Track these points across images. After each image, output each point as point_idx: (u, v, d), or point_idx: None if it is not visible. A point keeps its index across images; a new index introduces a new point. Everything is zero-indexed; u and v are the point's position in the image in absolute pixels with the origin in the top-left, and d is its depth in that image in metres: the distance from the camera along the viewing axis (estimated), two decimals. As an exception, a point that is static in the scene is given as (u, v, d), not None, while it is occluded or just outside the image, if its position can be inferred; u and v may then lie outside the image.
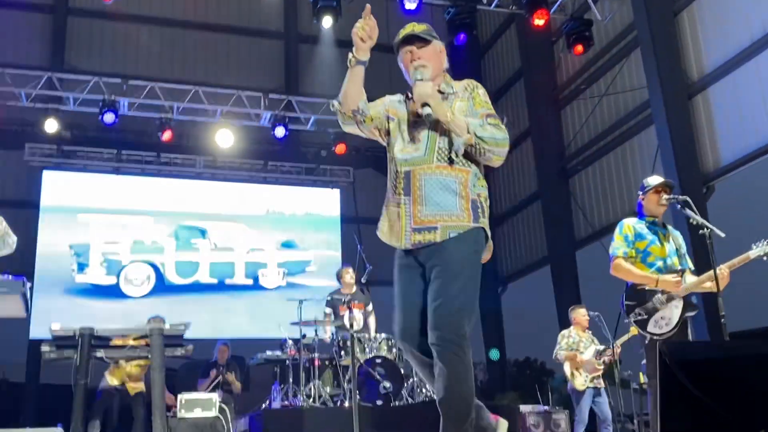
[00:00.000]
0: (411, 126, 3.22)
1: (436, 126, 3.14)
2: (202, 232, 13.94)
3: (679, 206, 4.56)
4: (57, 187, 13.00)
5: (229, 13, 15.46)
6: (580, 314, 8.08)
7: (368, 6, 3.02)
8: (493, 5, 11.95)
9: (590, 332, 8.04)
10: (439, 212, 3.10)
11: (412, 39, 3.24)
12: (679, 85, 10.45)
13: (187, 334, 5.51)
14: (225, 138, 13.01)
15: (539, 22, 11.54)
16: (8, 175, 13.72)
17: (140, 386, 7.69)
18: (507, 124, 14.37)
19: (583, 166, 13.25)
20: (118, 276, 13.30)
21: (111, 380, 7.67)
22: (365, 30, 3.01)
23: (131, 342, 5.62)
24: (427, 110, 3.06)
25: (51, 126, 12.35)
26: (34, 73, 12.45)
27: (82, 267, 13.15)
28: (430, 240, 3.09)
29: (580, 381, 7.68)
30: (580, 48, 11.97)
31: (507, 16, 14.73)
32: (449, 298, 3.02)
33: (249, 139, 14.10)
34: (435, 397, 3.06)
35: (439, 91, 3.20)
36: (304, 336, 7.80)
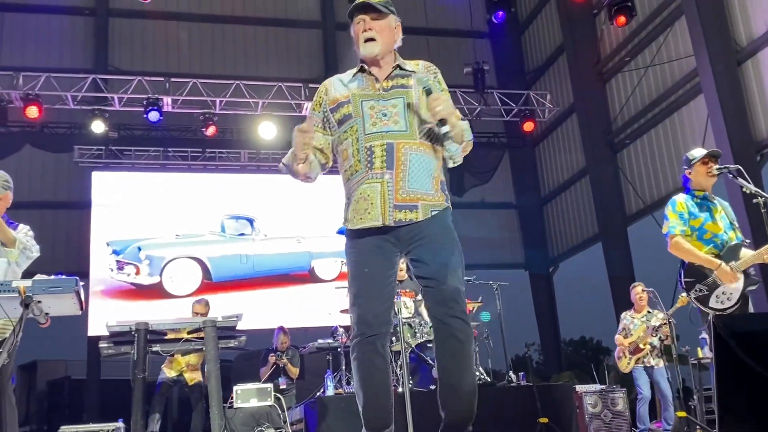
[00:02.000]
0: (376, 101, 3.04)
1: (411, 97, 3.02)
2: (250, 222, 13.69)
3: (731, 175, 4.42)
4: (106, 186, 13.08)
5: (266, 5, 15.51)
6: (635, 293, 7.97)
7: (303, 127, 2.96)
8: (531, -20, 11.75)
9: (649, 309, 7.90)
10: (419, 190, 2.97)
11: (366, 8, 3.07)
12: (727, 51, 10.14)
13: (240, 326, 5.57)
14: (267, 130, 13.08)
15: (579, -6, 11.31)
16: (59, 177, 14.03)
17: (198, 376, 7.80)
18: (551, 101, 14.37)
19: (631, 140, 12.98)
20: (161, 274, 12.83)
21: (169, 372, 7.80)
22: (304, 146, 2.98)
23: (185, 335, 5.70)
24: (445, 129, 2.89)
25: (98, 127, 12.58)
26: (79, 75, 12.70)
27: (121, 266, 12.74)
28: (412, 219, 2.95)
29: (623, 364, 7.74)
30: (622, 19, 11.69)
31: (546, -9, 14.49)
32: (452, 272, 2.92)
33: (291, 130, 14.08)
34: (439, 379, 2.96)
35: (398, 67, 3.09)
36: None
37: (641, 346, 7.56)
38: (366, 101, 3.04)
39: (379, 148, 2.96)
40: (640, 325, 7.73)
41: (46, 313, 3.36)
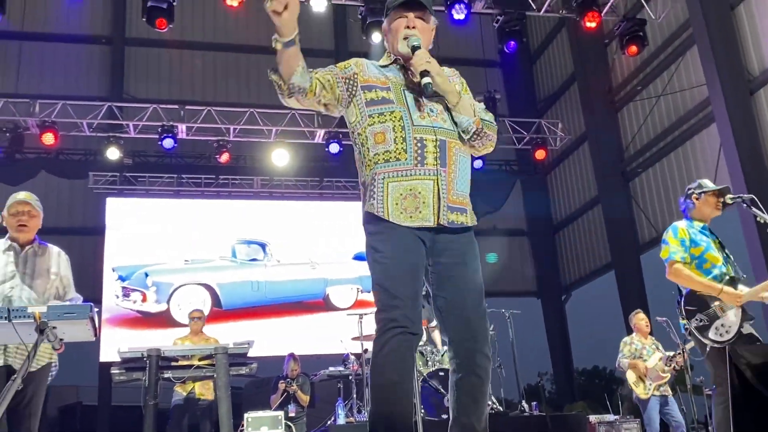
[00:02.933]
0: (418, 94, 2.85)
1: (449, 104, 2.88)
2: (263, 247, 13.31)
3: (745, 205, 4.41)
4: (120, 213, 13.13)
5: (280, 34, 15.67)
6: (639, 320, 7.91)
7: None
8: (543, 11, 11.82)
9: (653, 338, 7.85)
10: (464, 194, 2.85)
11: (412, 5, 2.92)
12: (739, 80, 10.15)
13: (251, 353, 5.57)
14: (281, 157, 13.18)
15: (591, 24, 11.37)
16: (74, 203, 14.15)
17: (209, 392, 7.75)
18: (562, 130, 14.39)
19: (643, 168, 12.98)
20: (168, 302, 12.36)
21: (181, 391, 7.77)
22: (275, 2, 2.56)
23: (197, 362, 5.70)
24: (426, 80, 2.76)
25: (113, 154, 12.71)
26: (95, 103, 12.87)
27: (127, 292, 12.34)
28: (463, 222, 2.79)
29: (643, 389, 7.50)
30: (634, 48, 11.73)
31: (557, 21, 14.60)
32: (480, 301, 2.78)
33: (304, 157, 14.23)
34: (453, 415, 2.75)
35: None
36: (366, 351, 7.79)
37: (661, 374, 7.45)
38: (408, 91, 2.88)
39: (432, 143, 2.77)
40: (654, 351, 7.64)
41: (61, 339, 3.38)
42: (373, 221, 2.79)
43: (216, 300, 12.62)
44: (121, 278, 12.54)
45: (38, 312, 3.17)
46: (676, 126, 11.98)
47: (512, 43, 11.70)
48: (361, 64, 2.95)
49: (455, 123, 2.87)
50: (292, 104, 2.85)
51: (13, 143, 12.59)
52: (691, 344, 6.80)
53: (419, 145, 2.76)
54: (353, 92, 2.88)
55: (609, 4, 11.75)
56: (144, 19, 10.40)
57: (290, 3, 2.60)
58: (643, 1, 11.82)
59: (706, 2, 10.26)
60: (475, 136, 2.88)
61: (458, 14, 10.80)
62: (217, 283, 12.77)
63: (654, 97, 12.48)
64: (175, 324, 12.17)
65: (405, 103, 2.84)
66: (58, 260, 4.35)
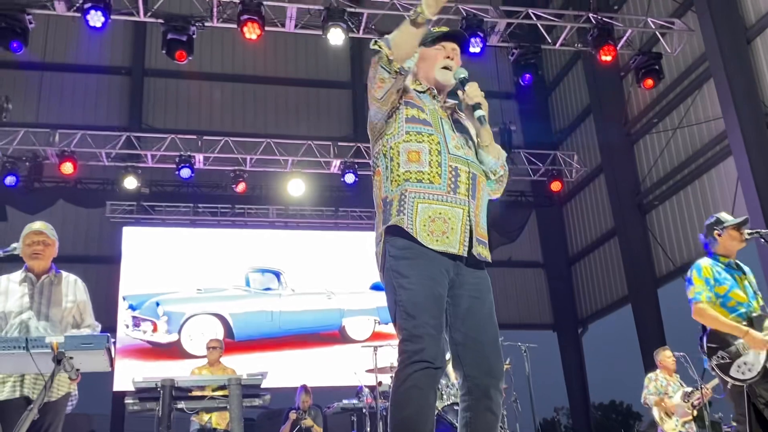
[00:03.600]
0: (450, 126, 2.90)
1: (470, 136, 2.94)
2: (277, 275, 13.04)
3: (763, 240, 4.37)
4: (137, 242, 13.15)
5: (298, 66, 15.85)
6: (665, 357, 7.86)
7: None
8: (558, 44, 11.89)
9: (678, 375, 7.77)
10: (486, 229, 2.88)
11: (456, 38, 3.01)
12: (756, 113, 10.12)
13: (264, 384, 5.54)
14: (296, 187, 13.24)
15: (606, 58, 11.40)
16: (91, 231, 14.24)
17: (227, 420, 7.70)
18: (578, 161, 14.38)
19: (660, 201, 12.91)
20: (180, 332, 12.03)
21: (198, 421, 7.72)
22: None
23: (210, 393, 5.69)
24: (480, 112, 2.82)
25: (130, 183, 12.82)
26: (114, 133, 13.03)
27: (137, 322, 12.05)
28: (486, 257, 2.82)
29: (671, 425, 7.43)
30: (650, 82, 11.75)
31: (573, 54, 14.65)
32: (497, 339, 2.77)
33: (319, 187, 14.29)
34: None
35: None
36: (380, 383, 7.73)
37: (687, 410, 7.39)
38: (444, 120, 2.89)
39: (465, 174, 2.79)
40: (680, 389, 7.59)
41: (77, 369, 3.38)
42: (398, 236, 2.74)
43: (228, 330, 12.36)
44: (132, 307, 12.32)
45: (56, 342, 3.18)
46: (692, 159, 11.94)
47: (528, 75, 11.75)
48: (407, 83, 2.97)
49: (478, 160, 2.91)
50: (378, 81, 2.77)
51: (32, 172, 12.74)
52: (715, 381, 6.72)
53: (454, 173, 2.77)
54: (399, 103, 2.88)
55: (625, 37, 11.80)
56: (164, 51, 10.54)
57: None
58: (659, 35, 11.86)
59: (722, 36, 10.28)
60: (499, 179, 2.95)
61: (474, 47, 10.86)
62: (229, 313, 12.53)
63: (670, 130, 12.46)
64: (186, 355, 11.94)
65: (442, 130, 2.84)
66: (74, 288, 4.37)
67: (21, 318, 4.08)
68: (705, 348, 4.40)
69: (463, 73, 2.91)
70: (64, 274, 4.40)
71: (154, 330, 12.12)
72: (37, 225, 4.33)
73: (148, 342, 12.08)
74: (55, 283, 4.29)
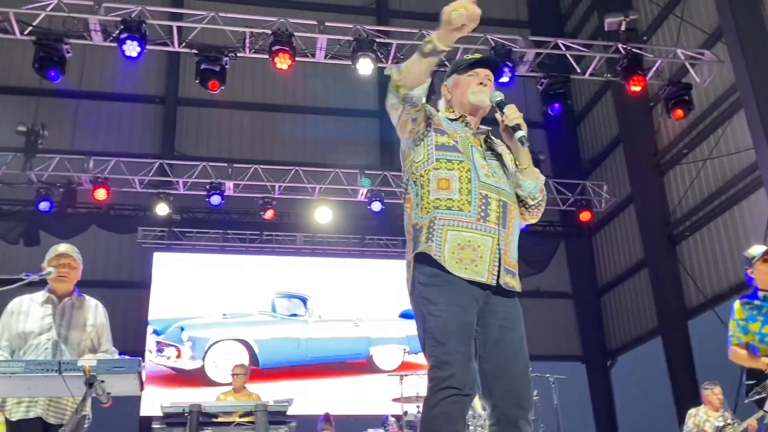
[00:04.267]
0: (481, 153, 2.91)
1: (505, 165, 2.93)
2: (304, 301, 12.86)
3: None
4: (167, 267, 13.29)
5: (327, 96, 16.01)
6: (712, 393, 7.69)
7: None
8: (588, 74, 11.91)
9: (724, 411, 7.61)
10: (516, 259, 2.86)
11: (489, 65, 3.03)
12: (789, 144, 10.02)
13: (289, 411, 5.55)
14: (324, 214, 13.35)
15: (636, 88, 11.38)
16: (122, 257, 14.42)
17: None
18: (607, 192, 14.30)
19: (690, 232, 12.77)
20: (204, 358, 11.80)
21: None
22: (465, 13, 2.54)
23: (237, 419, 5.72)
24: (521, 133, 2.82)
25: (162, 209, 13.00)
26: (147, 160, 13.25)
27: (161, 347, 11.87)
28: (514, 287, 2.80)
29: None
30: (680, 112, 11.68)
31: (602, 84, 14.64)
32: (527, 367, 2.77)
33: (346, 215, 14.36)
34: None
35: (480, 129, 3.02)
36: (405, 413, 7.69)
37: None
38: (475, 148, 2.90)
39: (495, 203, 2.78)
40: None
41: (108, 393, 3.43)
42: (426, 264, 2.76)
43: (253, 357, 12.11)
44: (156, 332, 12.15)
45: (88, 365, 3.23)
46: (723, 190, 11.81)
47: (556, 105, 11.75)
48: (433, 111, 2.99)
49: (511, 188, 2.91)
50: (390, 108, 2.89)
51: (65, 198, 12.98)
52: (759, 413, 6.61)
53: (484, 201, 2.77)
54: (427, 131, 2.91)
55: (654, 68, 11.78)
56: (197, 81, 10.74)
57: (471, 24, 2.60)
58: (689, 66, 11.82)
59: (753, 67, 10.21)
60: (534, 206, 2.95)
61: (503, 77, 10.91)
62: (254, 339, 12.32)
63: (701, 161, 12.36)
64: (210, 382, 11.71)
65: (472, 158, 2.85)
66: (95, 312, 4.41)
67: (40, 339, 4.13)
68: (745, 387, 4.43)
69: (500, 96, 2.92)
70: (86, 297, 4.44)
71: (178, 356, 11.92)
72: (63, 247, 4.37)
73: (172, 368, 11.91)
74: (77, 307, 4.33)
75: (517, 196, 2.96)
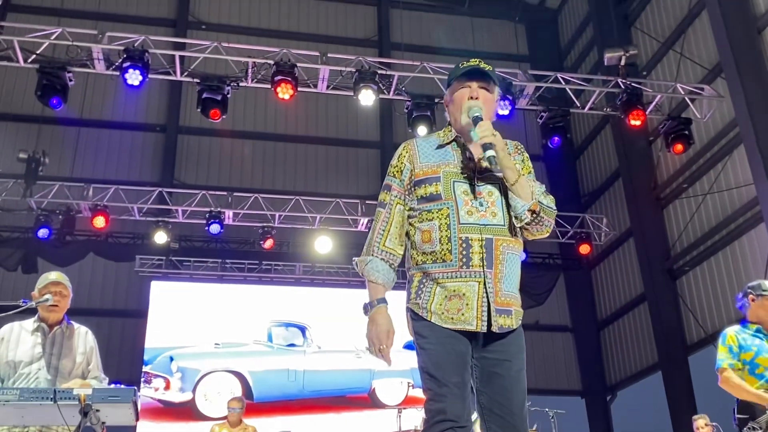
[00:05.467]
0: (471, 182, 2.77)
1: (502, 183, 2.75)
2: (302, 330, 12.32)
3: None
4: (164, 296, 13.14)
5: (328, 125, 16.09)
6: (699, 426, 7.68)
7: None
8: (587, 108, 11.96)
9: None
10: (511, 293, 2.75)
11: (476, 74, 2.85)
12: (789, 180, 10.04)
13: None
14: (324, 244, 13.30)
15: (636, 122, 11.44)
16: (119, 285, 14.36)
17: None
18: (607, 225, 14.29)
19: (690, 267, 12.74)
20: (194, 391, 11.18)
21: None
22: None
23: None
24: (490, 152, 2.65)
25: (160, 238, 12.96)
26: (146, 188, 13.25)
27: (148, 378, 11.28)
28: (509, 326, 2.70)
29: None
30: (680, 147, 11.72)
31: (601, 118, 14.72)
32: (524, 401, 2.71)
33: (347, 245, 14.31)
34: None
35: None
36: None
37: None
38: (459, 183, 2.77)
39: (477, 243, 2.68)
40: None
41: (103, 422, 3.38)
42: (415, 316, 2.79)
43: (247, 390, 11.52)
44: (144, 362, 11.56)
45: (83, 394, 3.19)
46: (723, 225, 11.81)
47: (556, 138, 11.80)
48: (414, 155, 2.89)
49: (508, 210, 2.77)
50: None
51: (64, 225, 12.94)
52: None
53: (464, 245, 2.68)
54: (411, 191, 2.87)
55: (654, 102, 11.85)
56: (199, 110, 10.78)
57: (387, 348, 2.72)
58: (688, 101, 11.89)
59: (753, 102, 10.27)
60: (532, 222, 2.78)
61: (502, 110, 10.96)
62: (249, 370, 11.78)
63: (700, 195, 12.37)
64: (200, 417, 11.12)
65: (453, 196, 2.75)
66: (85, 339, 4.37)
67: (31, 368, 4.08)
68: (736, 419, 4.32)
69: (477, 112, 2.76)
70: (76, 325, 4.41)
71: (167, 387, 11.31)
72: (54, 275, 4.33)
73: (159, 400, 11.20)
74: (67, 335, 4.29)
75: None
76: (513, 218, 2.76)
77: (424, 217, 2.78)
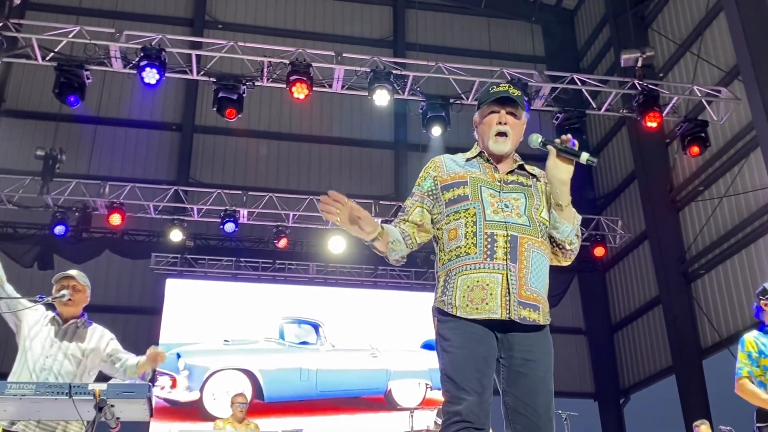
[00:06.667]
0: (496, 191, 2.88)
1: (532, 197, 2.89)
2: (315, 328, 11.95)
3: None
4: (179, 294, 13.20)
5: (342, 126, 16.11)
6: (701, 430, 7.62)
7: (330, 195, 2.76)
8: (603, 109, 11.91)
9: None
10: (539, 290, 2.79)
11: (506, 101, 2.95)
12: (806, 183, 9.96)
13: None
14: (337, 244, 13.32)
15: (652, 124, 11.36)
16: (134, 282, 14.45)
17: None
18: (622, 227, 14.22)
19: (706, 270, 12.65)
20: (202, 389, 10.79)
21: None
22: (342, 220, 2.74)
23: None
24: (586, 156, 2.86)
25: (176, 236, 13.03)
26: (162, 186, 13.33)
27: (154, 376, 10.62)
28: (535, 320, 2.72)
29: None
30: (696, 149, 11.63)
31: (618, 119, 14.65)
32: (551, 402, 2.72)
33: (360, 245, 14.26)
34: None
35: (521, 167, 3.01)
36: (416, 446, 7.59)
37: None
38: (485, 187, 2.88)
39: (502, 239, 2.75)
40: None
41: (117, 418, 3.41)
42: (442, 314, 2.81)
43: (257, 390, 11.13)
44: None
45: (98, 389, 3.21)
46: (739, 228, 11.72)
47: (572, 140, 11.73)
48: (439, 166, 3.02)
49: (533, 217, 2.86)
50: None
51: (80, 222, 13.03)
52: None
53: (489, 240, 2.75)
54: (438, 197, 2.96)
55: (670, 105, 11.78)
56: (215, 109, 10.82)
57: (346, 212, 2.74)
58: (705, 103, 11.81)
59: (771, 105, 10.20)
60: (574, 249, 2.93)
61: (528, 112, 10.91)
62: (259, 369, 11.37)
63: (716, 198, 12.29)
64: (207, 417, 10.65)
65: (480, 198, 2.84)
66: (100, 335, 4.43)
67: (41, 359, 4.13)
68: (756, 428, 4.28)
69: (539, 138, 2.93)
70: (94, 324, 4.48)
71: (173, 386, 10.96)
72: (69, 271, 4.42)
73: (165, 399, 10.84)
74: (80, 330, 4.35)
75: (553, 239, 2.94)
76: (557, 243, 2.90)
77: (452, 218, 2.87)
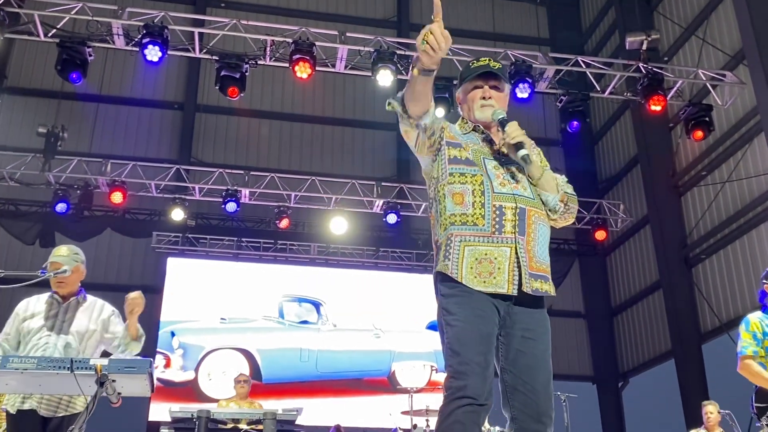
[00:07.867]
0: (498, 162, 2.87)
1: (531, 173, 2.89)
2: (316, 306, 11.62)
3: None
4: (180, 273, 13.23)
5: (345, 107, 16.06)
6: (707, 411, 7.66)
7: (437, 2, 2.53)
8: (607, 92, 11.86)
9: (721, 430, 7.56)
10: (546, 262, 2.81)
11: (488, 76, 2.96)
12: (810, 169, 9.94)
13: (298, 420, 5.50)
14: (339, 225, 13.33)
15: (656, 108, 11.33)
16: (135, 261, 14.47)
17: None
18: (624, 211, 14.20)
19: (707, 255, 12.65)
20: (197, 369, 10.49)
21: None
22: (434, 38, 2.54)
23: (245, 426, 5.69)
24: (523, 152, 2.78)
25: (177, 215, 13.03)
26: (164, 165, 13.32)
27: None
28: (547, 291, 2.75)
29: None
30: (700, 134, 11.60)
31: (621, 103, 14.59)
32: (549, 380, 2.73)
33: (361, 226, 14.34)
34: None
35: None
36: (415, 426, 7.64)
37: None
38: (487, 159, 2.88)
39: (511, 211, 2.75)
40: None
41: (119, 393, 3.42)
42: (446, 281, 2.77)
43: (255, 369, 10.84)
44: (158, 337, 10.98)
45: (100, 364, 3.22)
46: (741, 213, 11.71)
47: (575, 123, 11.71)
48: (448, 125, 3.00)
49: (535, 190, 2.89)
50: (405, 134, 2.94)
51: (82, 200, 13.02)
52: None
53: (498, 212, 2.75)
54: (440, 145, 2.93)
55: (675, 88, 11.72)
56: (217, 87, 10.79)
57: (444, 46, 2.56)
58: (710, 87, 11.76)
59: (775, 90, 10.15)
60: (565, 212, 2.93)
61: (522, 93, 10.90)
62: (257, 348, 11.11)
63: (719, 183, 12.26)
64: (203, 398, 10.43)
65: (485, 169, 2.84)
66: (100, 310, 4.43)
67: (48, 340, 4.15)
68: (754, 408, 4.28)
69: (501, 114, 2.90)
70: (91, 298, 4.47)
71: (167, 365, 10.71)
72: (60, 251, 4.37)
73: (159, 379, 10.38)
74: (81, 306, 4.36)
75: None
76: (549, 210, 2.90)
77: (457, 180, 2.84)
